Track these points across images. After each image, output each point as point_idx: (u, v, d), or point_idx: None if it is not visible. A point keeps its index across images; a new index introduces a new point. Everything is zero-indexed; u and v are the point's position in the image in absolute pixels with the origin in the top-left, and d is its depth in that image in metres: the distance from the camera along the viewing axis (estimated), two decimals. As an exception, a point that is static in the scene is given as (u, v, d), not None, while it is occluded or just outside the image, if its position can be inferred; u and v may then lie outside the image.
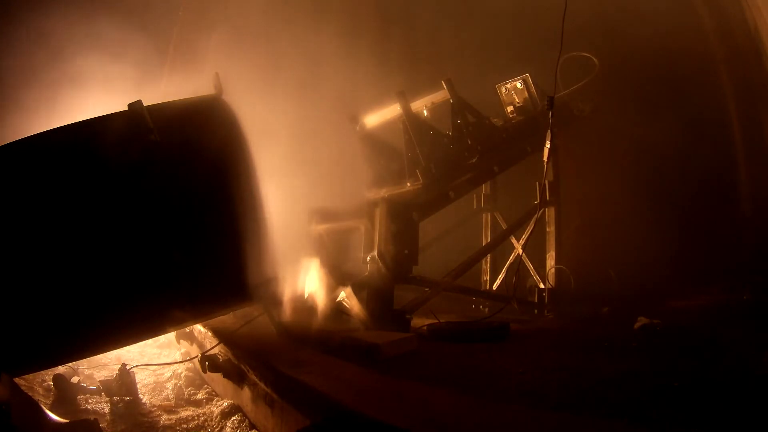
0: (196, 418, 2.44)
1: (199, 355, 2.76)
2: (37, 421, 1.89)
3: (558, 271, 3.67)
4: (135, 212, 2.28)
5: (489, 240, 4.28)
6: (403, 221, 3.01)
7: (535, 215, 3.59)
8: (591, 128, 4.23)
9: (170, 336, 3.50)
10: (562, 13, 3.05)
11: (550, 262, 3.73)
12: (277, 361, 2.14)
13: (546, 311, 3.60)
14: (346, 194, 3.70)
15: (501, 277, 4.07)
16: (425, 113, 3.59)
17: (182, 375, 3.02)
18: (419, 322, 3.02)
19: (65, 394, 2.56)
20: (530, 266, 3.79)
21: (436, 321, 3.05)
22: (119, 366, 2.68)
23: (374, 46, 4.80)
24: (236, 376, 2.49)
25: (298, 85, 4.34)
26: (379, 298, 2.90)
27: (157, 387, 2.92)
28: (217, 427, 2.35)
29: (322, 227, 3.69)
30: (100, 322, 2.20)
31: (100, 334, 2.27)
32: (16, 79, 4.27)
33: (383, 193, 3.38)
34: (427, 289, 3.20)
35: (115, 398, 2.57)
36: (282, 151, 3.64)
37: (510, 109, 3.97)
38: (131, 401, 2.59)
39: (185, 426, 2.37)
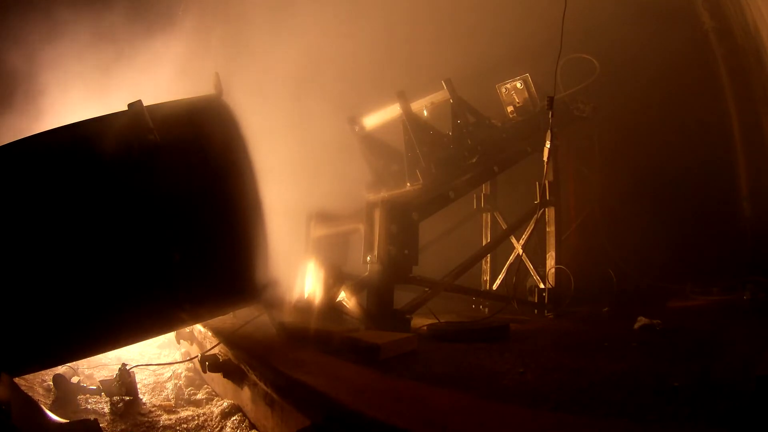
0: (196, 418, 2.44)
1: (199, 355, 2.76)
2: (37, 421, 1.89)
3: (558, 271, 3.66)
4: (135, 212, 2.28)
5: (489, 240, 4.28)
6: (403, 221, 3.01)
7: (535, 215, 3.59)
8: (591, 128, 4.23)
9: (170, 336, 3.51)
10: (562, 13, 3.05)
11: (550, 262, 3.72)
12: (277, 361, 2.14)
13: (546, 311, 3.60)
14: (345, 195, 3.71)
15: (501, 277, 4.07)
16: (425, 113, 3.60)
17: (182, 375, 3.02)
18: (419, 322, 3.02)
19: (65, 394, 2.57)
20: (530, 266, 3.79)
21: (436, 321, 3.05)
22: (119, 366, 2.68)
23: (374, 46, 4.80)
24: (236, 376, 2.49)
25: (298, 85, 4.34)
26: (379, 298, 2.90)
27: (157, 387, 2.93)
28: (217, 427, 2.35)
29: (321, 228, 3.69)
30: (100, 322, 2.21)
31: (101, 334, 2.27)
32: (16, 79, 4.27)
33: (383, 193, 3.38)
34: (427, 289, 3.20)
35: (115, 398, 2.57)
36: (282, 151, 3.64)
37: (510, 109, 3.97)
38: (131, 401, 2.59)
39: (185, 426, 2.37)
